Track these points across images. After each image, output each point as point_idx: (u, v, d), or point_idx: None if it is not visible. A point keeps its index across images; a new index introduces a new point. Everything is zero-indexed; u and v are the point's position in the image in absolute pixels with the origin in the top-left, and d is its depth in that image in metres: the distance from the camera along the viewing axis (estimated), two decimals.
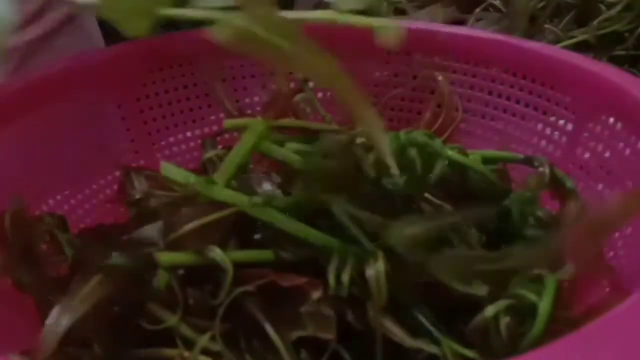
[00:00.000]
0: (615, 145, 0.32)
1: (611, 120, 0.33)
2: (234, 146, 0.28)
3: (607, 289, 0.27)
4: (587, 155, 0.34)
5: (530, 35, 0.54)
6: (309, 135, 0.30)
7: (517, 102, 0.38)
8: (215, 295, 0.25)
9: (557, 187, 0.32)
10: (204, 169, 0.35)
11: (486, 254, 0.25)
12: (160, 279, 0.25)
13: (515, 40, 0.39)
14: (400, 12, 0.61)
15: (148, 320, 0.25)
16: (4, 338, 0.27)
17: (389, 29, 0.23)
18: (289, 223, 0.25)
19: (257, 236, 0.27)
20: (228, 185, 0.26)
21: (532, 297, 0.23)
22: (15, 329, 0.28)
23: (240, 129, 0.28)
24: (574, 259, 0.26)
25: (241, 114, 0.40)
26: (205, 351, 0.25)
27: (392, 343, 0.24)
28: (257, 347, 0.25)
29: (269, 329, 0.24)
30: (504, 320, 0.23)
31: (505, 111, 0.39)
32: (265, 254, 0.26)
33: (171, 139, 0.42)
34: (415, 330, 0.24)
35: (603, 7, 0.55)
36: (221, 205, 0.25)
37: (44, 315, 0.24)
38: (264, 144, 0.27)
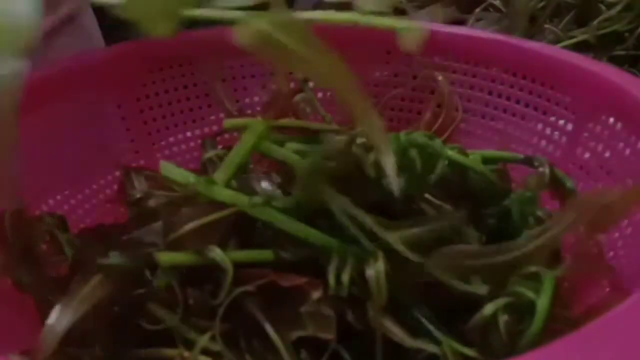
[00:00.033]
0: (615, 145, 0.32)
1: (611, 120, 0.33)
2: (234, 146, 0.28)
3: (607, 289, 0.27)
4: (587, 155, 0.34)
5: (530, 35, 0.54)
6: (309, 135, 0.30)
7: (517, 102, 0.38)
8: (215, 295, 0.25)
9: (557, 187, 0.32)
10: (204, 169, 0.35)
11: (483, 249, 0.25)
12: (160, 279, 0.25)
13: (515, 40, 0.39)
14: (400, 12, 0.61)
15: (148, 320, 0.25)
16: (4, 338, 0.27)
17: (412, 30, 0.23)
18: (289, 223, 0.25)
19: (257, 236, 0.27)
20: (228, 185, 0.26)
21: (530, 294, 0.23)
22: (15, 329, 0.28)
23: (240, 129, 0.28)
24: (573, 257, 0.26)
25: (241, 114, 0.40)
26: (205, 351, 0.25)
27: (392, 343, 0.24)
28: (257, 347, 0.25)
29: (269, 329, 0.24)
30: (503, 318, 0.23)
31: (505, 111, 0.39)
32: (265, 254, 0.26)
33: (171, 139, 0.42)
34: (415, 330, 0.24)
35: (603, 7, 0.55)
36: (221, 205, 0.25)
37: (44, 315, 0.24)
38: (264, 144, 0.27)
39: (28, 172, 0.34)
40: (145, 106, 0.40)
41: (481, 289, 0.25)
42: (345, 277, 0.24)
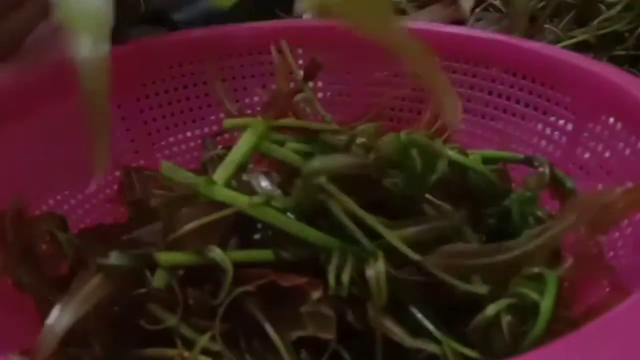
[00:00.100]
0: (615, 145, 0.32)
1: (611, 120, 0.33)
2: (234, 146, 0.28)
3: (607, 289, 0.27)
4: (587, 155, 0.34)
5: (530, 35, 0.54)
6: (309, 135, 0.30)
7: (517, 102, 0.38)
8: (215, 295, 0.25)
9: (557, 187, 0.32)
10: (204, 169, 0.35)
11: (483, 248, 0.25)
12: (160, 279, 0.25)
13: (515, 40, 0.39)
14: (400, 12, 0.61)
15: (148, 320, 0.25)
16: (4, 338, 0.27)
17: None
18: (289, 223, 0.25)
19: (257, 236, 0.27)
20: (228, 185, 0.26)
21: (533, 295, 0.23)
22: (15, 329, 0.28)
23: (240, 129, 0.28)
24: (573, 257, 0.26)
25: (241, 114, 0.40)
26: (205, 351, 0.25)
27: (392, 343, 0.24)
28: (257, 347, 0.25)
29: (269, 329, 0.24)
30: (506, 319, 0.23)
31: (505, 111, 0.39)
32: (265, 254, 0.26)
33: (171, 139, 0.42)
34: (416, 330, 0.24)
35: (603, 7, 0.55)
36: (221, 205, 0.25)
37: (44, 315, 0.24)
38: (264, 144, 0.27)
39: (28, 172, 0.34)
40: (145, 106, 0.40)
41: (481, 288, 0.24)
42: (345, 277, 0.24)
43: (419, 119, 0.41)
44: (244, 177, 0.27)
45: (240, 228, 0.26)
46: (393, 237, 0.25)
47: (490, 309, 0.23)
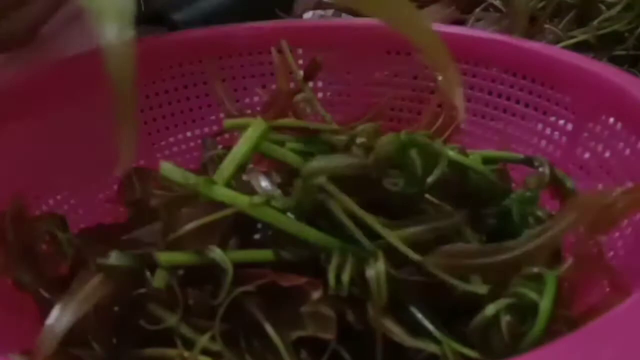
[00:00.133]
0: (615, 145, 0.32)
1: (611, 120, 0.33)
2: (234, 146, 0.28)
3: (607, 289, 0.27)
4: (587, 155, 0.34)
5: (530, 35, 0.54)
6: (309, 135, 0.30)
7: (517, 102, 0.38)
8: (215, 295, 0.25)
9: (557, 187, 0.32)
10: (204, 169, 0.35)
11: (482, 248, 0.25)
12: (160, 279, 0.25)
13: (515, 40, 0.39)
14: None
15: (148, 320, 0.25)
16: (4, 338, 0.27)
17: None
18: (289, 223, 0.25)
19: (257, 236, 0.27)
20: (228, 185, 0.26)
21: (533, 295, 0.23)
22: (15, 329, 0.28)
23: (240, 129, 0.28)
24: (573, 257, 0.26)
25: (241, 114, 0.40)
26: (205, 351, 0.25)
27: (392, 343, 0.24)
28: (257, 347, 0.25)
29: (269, 329, 0.24)
30: (505, 319, 0.23)
31: (505, 111, 0.39)
32: (265, 254, 0.26)
33: (171, 139, 0.42)
34: (416, 330, 0.24)
35: (603, 7, 0.55)
36: (221, 205, 0.25)
37: (44, 315, 0.24)
38: (264, 144, 0.27)
39: (28, 172, 0.34)
40: (145, 106, 0.40)
41: (481, 288, 0.24)
42: (345, 277, 0.24)
43: (419, 119, 0.41)
44: (244, 177, 0.27)
45: (240, 228, 0.26)
46: (393, 237, 0.25)
47: (490, 309, 0.23)
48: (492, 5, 0.59)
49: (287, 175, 0.28)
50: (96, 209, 0.37)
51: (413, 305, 0.25)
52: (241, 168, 0.27)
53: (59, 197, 0.36)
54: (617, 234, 0.29)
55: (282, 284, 0.24)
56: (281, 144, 0.28)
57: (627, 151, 0.31)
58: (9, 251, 0.29)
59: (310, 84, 0.39)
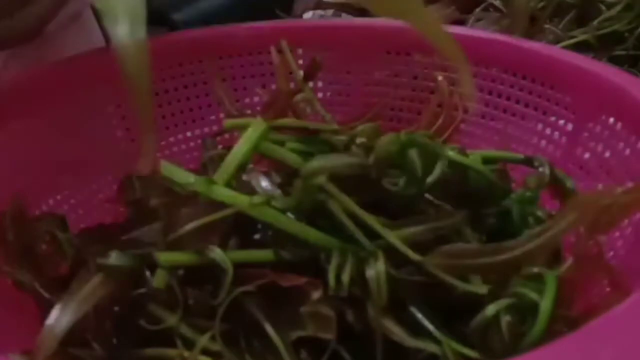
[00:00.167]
0: (615, 145, 0.32)
1: (611, 120, 0.33)
2: (234, 146, 0.28)
3: (607, 289, 0.27)
4: (587, 155, 0.34)
5: (530, 35, 0.54)
6: (309, 135, 0.30)
7: (517, 102, 0.38)
8: (215, 295, 0.25)
9: (557, 187, 0.32)
10: (204, 169, 0.35)
11: (482, 248, 0.25)
12: (160, 279, 0.25)
13: (515, 40, 0.39)
14: None
15: (148, 320, 0.25)
16: (4, 338, 0.27)
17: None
18: (289, 223, 0.25)
19: (257, 236, 0.27)
20: (228, 185, 0.26)
21: (533, 295, 0.23)
22: (15, 329, 0.28)
23: (240, 129, 0.28)
24: (573, 257, 0.26)
25: (241, 114, 0.40)
26: (205, 351, 0.25)
27: (392, 343, 0.24)
28: (257, 347, 0.25)
29: (269, 329, 0.24)
30: (505, 319, 0.23)
31: (505, 111, 0.39)
32: (265, 254, 0.26)
33: (171, 139, 0.42)
34: (416, 330, 0.24)
35: (603, 7, 0.55)
36: (221, 205, 0.25)
37: (44, 315, 0.24)
38: (264, 144, 0.27)
39: (28, 172, 0.34)
40: None
41: (481, 288, 0.25)
42: (345, 277, 0.24)
43: (419, 119, 0.41)
44: (244, 177, 0.27)
45: (240, 228, 0.26)
46: (393, 237, 0.25)
47: (490, 309, 0.23)
48: (492, 5, 0.59)
49: (287, 175, 0.28)
50: (96, 209, 0.37)
51: (413, 305, 0.25)
52: (241, 168, 0.27)
53: (59, 197, 0.36)
54: (617, 234, 0.29)
55: (282, 284, 0.24)
56: (281, 144, 0.28)
57: (627, 151, 0.31)
58: (9, 251, 0.29)
59: (310, 84, 0.38)
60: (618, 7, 0.54)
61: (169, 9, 0.66)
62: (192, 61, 0.41)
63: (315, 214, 0.25)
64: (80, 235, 0.32)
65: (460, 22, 0.59)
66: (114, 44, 0.21)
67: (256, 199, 0.25)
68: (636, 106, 0.30)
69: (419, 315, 0.25)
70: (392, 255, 0.24)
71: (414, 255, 0.24)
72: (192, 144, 0.42)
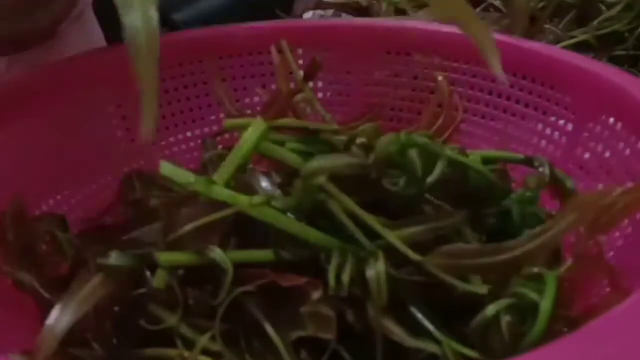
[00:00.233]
0: (615, 145, 0.32)
1: (611, 120, 0.33)
2: (234, 146, 0.28)
3: (607, 289, 0.27)
4: (587, 155, 0.34)
5: (530, 35, 0.54)
6: (309, 135, 0.30)
7: (517, 102, 0.38)
8: (215, 295, 0.25)
9: (557, 187, 0.32)
10: (204, 169, 0.35)
11: (482, 248, 0.25)
12: (160, 279, 0.25)
13: (515, 40, 0.39)
14: (400, 12, 0.61)
15: (148, 320, 0.25)
16: (4, 338, 0.27)
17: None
18: (289, 223, 0.25)
19: (257, 236, 0.27)
20: (228, 185, 0.26)
21: (533, 295, 0.23)
22: (15, 329, 0.28)
23: (240, 129, 0.28)
24: (573, 257, 0.26)
25: (241, 114, 0.40)
26: (205, 351, 0.25)
27: (392, 343, 0.24)
28: (257, 347, 0.25)
29: (269, 329, 0.24)
30: (505, 319, 0.23)
31: (505, 111, 0.39)
32: (265, 254, 0.26)
33: (171, 139, 0.42)
34: (416, 330, 0.24)
35: (603, 7, 0.55)
36: (221, 205, 0.25)
37: (44, 315, 0.24)
38: (264, 144, 0.27)
39: (28, 172, 0.34)
40: None
41: (481, 288, 0.25)
42: (345, 277, 0.24)
43: (419, 119, 0.41)
44: (244, 177, 0.27)
45: (240, 228, 0.26)
46: (393, 237, 0.25)
47: (490, 309, 0.23)
48: (492, 5, 0.59)
49: (287, 175, 0.28)
50: (96, 209, 0.37)
51: (413, 305, 0.25)
52: (241, 168, 0.27)
53: (59, 197, 0.36)
54: (617, 234, 0.29)
55: (282, 284, 0.24)
56: (281, 144, 0.28)
57: (627, 151, 0.31)
58: (9, 251, 0.29)
59: (310, 84, 0.38)
60: (618, 7, 0.54)
61: (169, 9, 0.66)
62: (192, 61, 0.41)
63: (315, 214, 0.25)
64: (80, 235, 0.32)
65: None
66: (125, 31, 0.21)
67: (256, 199, 0.25)
68: (636, 106, 0.30)
69: (419, 315, 0.25)
70: (392, 255, 0.24)
71: (414, 255, 0.24)
72: (192, 144, 0.42)
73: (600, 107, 0.33)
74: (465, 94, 0.40)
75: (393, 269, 0.24)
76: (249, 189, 0.27)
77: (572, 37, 0.54)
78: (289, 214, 0.26)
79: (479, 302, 0.24)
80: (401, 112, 0.43)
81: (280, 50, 0.39)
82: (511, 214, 0.31)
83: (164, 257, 0.25)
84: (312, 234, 0.25)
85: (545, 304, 0.23)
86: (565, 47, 0.51)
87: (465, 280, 0.25)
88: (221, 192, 0.25)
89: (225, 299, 0.24)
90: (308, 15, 0.67)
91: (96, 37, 0.51)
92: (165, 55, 0.40)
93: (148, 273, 0.25)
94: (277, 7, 0.64)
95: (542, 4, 0.56)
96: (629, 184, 0.30)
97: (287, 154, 0.28)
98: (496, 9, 0.59)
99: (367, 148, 0.28)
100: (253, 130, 0.27)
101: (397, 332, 0.24)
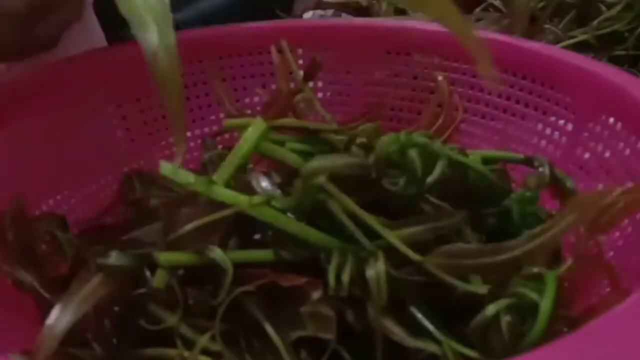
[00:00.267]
0: (615, 145, 0.32)
1: (611, 120, 0.33)
2: (234, 146, 0.28)
3: (607, 289, 0.27)
4: (587, 155, 0.34)
5: (530, 35, 0.54)
6: (309, 135, 0.30)
7: (517, 102, 0.38)
8: (215, 295, 0.25)
9: (557, 187, 0.32)
10: (204, 169, 0.35)
11: (482, 248, 0.25)
12: (160, 279, 0.25)
13: (515, 40, 0.39)
14: (400, 12, 0.61)
15: (148, 320, 0.25)
16: (4, 338, 0.27)
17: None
18: (289, 223, 0.25)
19: (257, 236, 0.27)
20: (228, 185, 0.26)
21: (533, 295, 0.23)
22: (15, 329, 0.28)
23: (240, 129, 0.28)
24: (573, 257, 0.26)
25: (241, 114, 0.40)
26: (205, 351, 0.25)
27: (392, 343, 0.24)
28: (257, 347, 0.25)
29: (269, 329, 0.24)
30: (505, 319, 0.23)
31: (505, 111, 0.39)
32: (265, 254, 0.26)
33: (171, 139, 0.42)
34: (416, 330, 0.24)
35: (603, 7, 0.55)
36: (221, 205, 0.25)
37: (44, 315, 0.24)
38: (264, 144, 0.27)
39: (28, 172, 0.34)
40: (146, 106, 0.40)
41: (481, 288, 0.25)
42: (345, 277, 0.24)
43: (419, 119, 0.41)
44: (244, 177, 0.27)
45: (240, 228, 0.26)
46: (393, 237, 0.25)
47: (490, 309, 0.23)
48: (492, 5, 0.59)
49: (287, 175, 0.28)
50: (96, 209, 0.37)
51: (413, 305, 0.25)
52: (241, 168, 0.27)
53: (59, 197, 0.36)
54: (617, 234, 0.29)
55: (282, 284, 0.24)
56: (281, 144, 0.28)
57: (627, 151, 0.31)
58: (9, 251, 0.29)
59: (310, 84, 0.38)
60: (618, 7, 0.54)
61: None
62: (192, 61, 0.41)
63: (315, 214, 0.25)
64: (80, 235, 0.32)
65: None
66: (144, 51, 0.21)
67: (256, 199, 0.25)
68: (636, 106, 0.30)
69: (419, 315, 0.25)
70: (392, 255, 0.24)
71: (414, 255, 0.24)
72: (192, 144, 0.42)
73: (600, 107, 0.33)
74: (465, 94, 0.40)
75: (393, 269, 0.24)
76: (249, 189, 0.27)
77: (572, 37, 0.54)
78: (289, 214, 0.26)
79: (479, 302, 0.24)
80: (401, 112, 0.43)
81: (280, 50, 0.39)
82: (511, 214, 0.31)
83: (164, 257, 0.25)
84: (312, 234, 0.25)
85: (545, 304, 0.23)
86: (565, 47, 0.51)
87: (465, 280, 0.25)
88: (221, 192, 0.25)
89: (225, 299, 0.24)
90: (308, 15, 0.67)
91: (96, 37, 0.51)
92: None
93: (148, 273, 0.25)
94: (277, 7, 0.64)
95: (542, 4, 0.56)
96: (629, 184, 0.30)
97: (287, 154, 0.28)
98: (496, 9, 0.59)
99: (367, 148, 0.28)
100: (253, 130, 0.27)
101: (397, 332, 0.24)
